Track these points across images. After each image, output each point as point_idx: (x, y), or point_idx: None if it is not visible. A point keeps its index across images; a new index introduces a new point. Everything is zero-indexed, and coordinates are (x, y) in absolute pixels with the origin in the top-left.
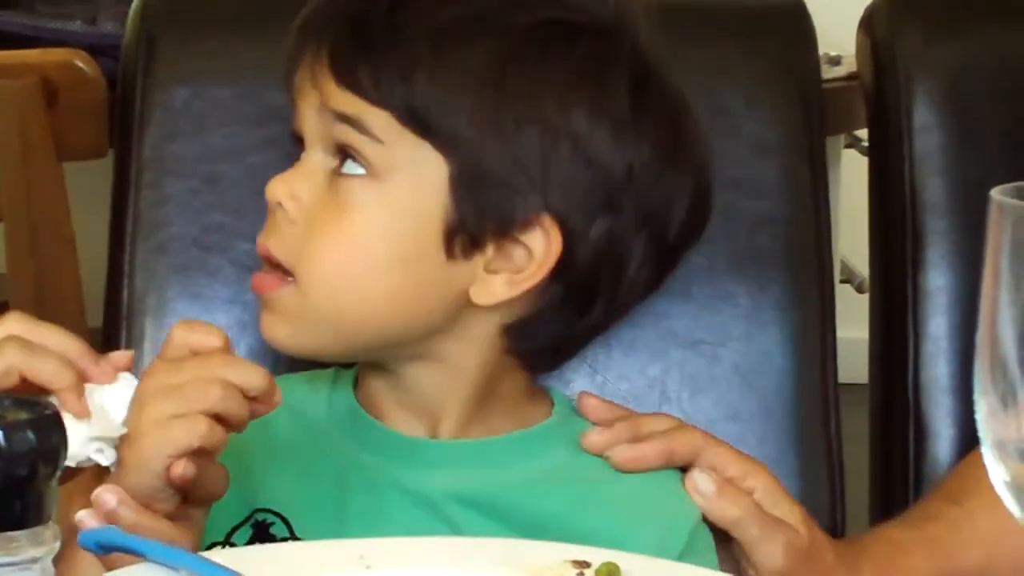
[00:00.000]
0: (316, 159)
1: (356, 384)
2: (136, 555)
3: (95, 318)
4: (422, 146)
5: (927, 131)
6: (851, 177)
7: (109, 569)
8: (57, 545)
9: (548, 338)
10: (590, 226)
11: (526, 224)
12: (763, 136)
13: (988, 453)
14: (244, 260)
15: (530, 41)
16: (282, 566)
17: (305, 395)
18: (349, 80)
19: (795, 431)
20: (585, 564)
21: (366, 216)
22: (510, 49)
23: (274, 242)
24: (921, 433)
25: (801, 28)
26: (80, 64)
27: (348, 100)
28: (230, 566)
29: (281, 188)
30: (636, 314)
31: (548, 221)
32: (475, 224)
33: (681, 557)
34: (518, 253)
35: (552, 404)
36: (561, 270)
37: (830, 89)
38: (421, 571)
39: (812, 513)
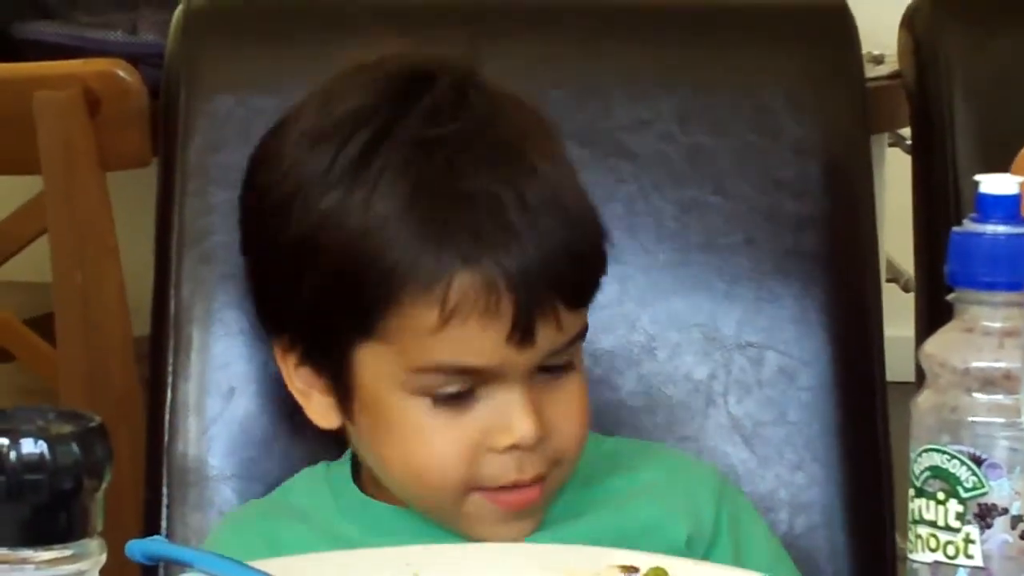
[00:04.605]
0: (526, 387)
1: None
2: (182, 565)
3: (139, 327)
4: None
5: (970, 129)
6: (896, 175)
7: None
8: (103, 558)
9: None
10: None
11: None
12: (806, 136)
13: None
14: None
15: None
16: (328, 573)
17: (310, 499)
18: (581, 298)
19: (843, 432)
20: (633, 569)
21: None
22: None
23: (539, 468)
24: None
25: (843, 27)
26: (122, 73)
27: (576, 318)
28: (277, 574)
29: (535, 430)
30: (681, 317)
31: None
32: None
33: (719, 510)
34: None
35: None
36: None
37: (873, 88)
38: None
39: (860, 513)
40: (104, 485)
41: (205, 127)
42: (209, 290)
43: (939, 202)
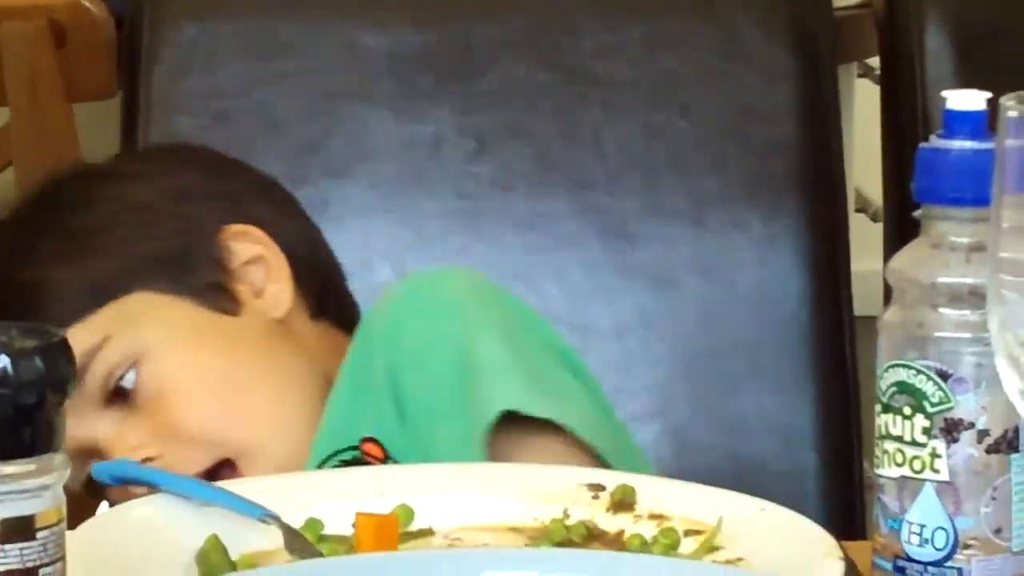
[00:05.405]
0: (95, 426)
1: None
2: (150, 487)
3: None
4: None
5: (939, 56)
6: (865, 107)
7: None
8: (67, 472)
9: None
10: None
11: None
12: (775, 63)
13: (1001, 364)
14: None
15: None
16: (296, 495)
17: None
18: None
19: (811, 356)
20: (600, 487)
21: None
22: None
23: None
24: None
25: None
26: (87, 4)
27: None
28: (245, 495)
29: (127, 443)
30: (648, 241)
31: None
32: None
33: None
34: None
35: None
36: None
37: (842, 17)
38: (434, 498)
39: (828, 436)
40: (67, 400)
41: (169, 56)
42: None
43: (907, 129)
